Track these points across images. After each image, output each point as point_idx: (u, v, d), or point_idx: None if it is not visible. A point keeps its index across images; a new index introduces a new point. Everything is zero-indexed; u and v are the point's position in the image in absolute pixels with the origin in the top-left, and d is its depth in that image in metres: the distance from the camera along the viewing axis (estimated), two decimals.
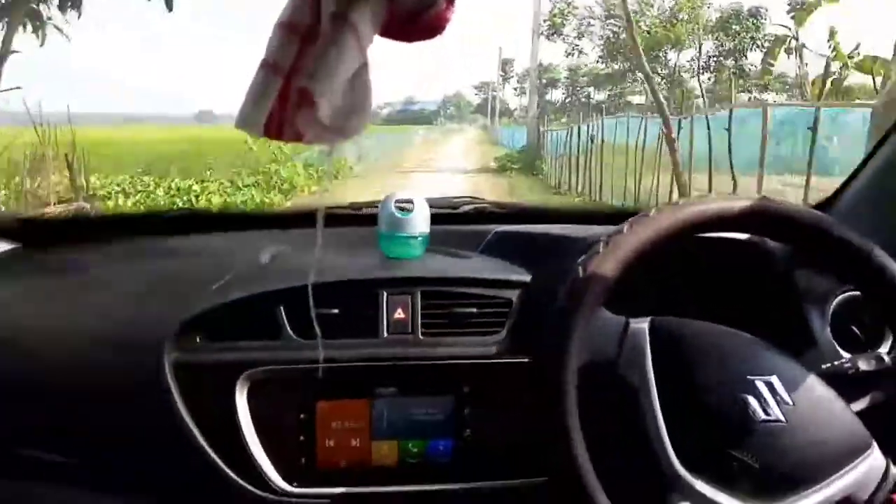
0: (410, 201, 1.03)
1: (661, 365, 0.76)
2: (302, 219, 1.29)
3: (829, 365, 0.84)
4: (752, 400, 0.73)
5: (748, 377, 0.74)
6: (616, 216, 0.85)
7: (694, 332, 0.81)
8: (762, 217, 0.79)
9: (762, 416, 0.72)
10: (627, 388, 0.76)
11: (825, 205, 1.21)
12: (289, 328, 0.94)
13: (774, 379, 0.75)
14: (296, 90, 0.61)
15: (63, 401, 0.93)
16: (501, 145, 28.11)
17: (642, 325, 0.79)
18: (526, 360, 0.92)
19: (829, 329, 0.98)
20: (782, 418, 0.73)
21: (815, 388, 0.77)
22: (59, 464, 0.94)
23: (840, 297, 1.00)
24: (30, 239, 1.18)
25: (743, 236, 1.03)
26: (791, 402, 0.74)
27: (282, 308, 0.95)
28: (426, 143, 31.82)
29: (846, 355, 0.95)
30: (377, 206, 1.06)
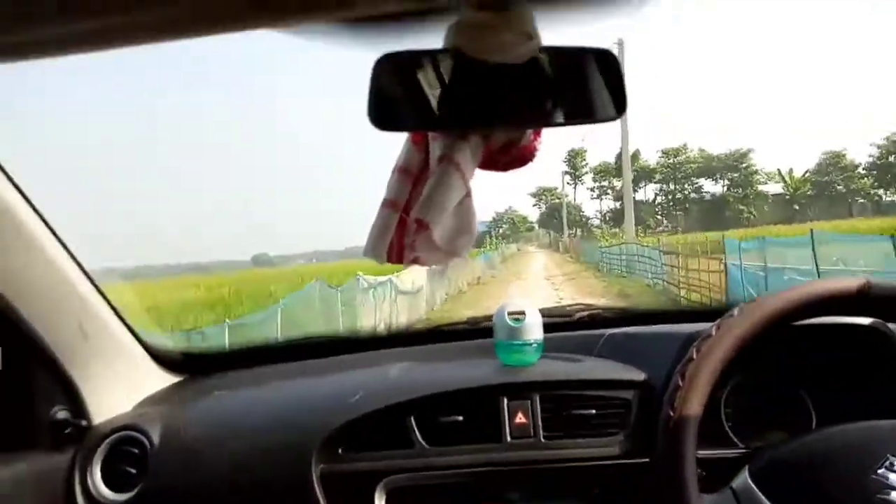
0: (523, 312, 1.05)
1: None
2: (423, 336, 1.34)
3: None
4: (892, 494, 0.65)
5: (869, 471, 0.67)
6: (721, 312, 0.82)
7: (794, 454, 0.75)
8: (872, 296, 0.75)
9: None
10: None
11: None
12: (419, 436, 0.96)
13: (894, 459, 0.67)
14: (413, 220, 0.69)
15: None
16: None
17: (746, 482, 0.73)
18: (647, 459, 0.88)
19: None
20: None
21: None
22: None
23: None
24: (193, 369, 1.30)
25: (856, 321, 0.94)
26: None
27: (412, 418, 0.97)
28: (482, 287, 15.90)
29: None
30: (491, 320, 1.08)
